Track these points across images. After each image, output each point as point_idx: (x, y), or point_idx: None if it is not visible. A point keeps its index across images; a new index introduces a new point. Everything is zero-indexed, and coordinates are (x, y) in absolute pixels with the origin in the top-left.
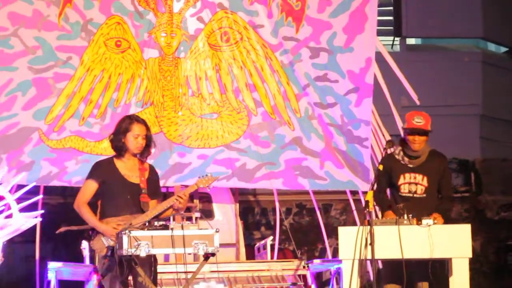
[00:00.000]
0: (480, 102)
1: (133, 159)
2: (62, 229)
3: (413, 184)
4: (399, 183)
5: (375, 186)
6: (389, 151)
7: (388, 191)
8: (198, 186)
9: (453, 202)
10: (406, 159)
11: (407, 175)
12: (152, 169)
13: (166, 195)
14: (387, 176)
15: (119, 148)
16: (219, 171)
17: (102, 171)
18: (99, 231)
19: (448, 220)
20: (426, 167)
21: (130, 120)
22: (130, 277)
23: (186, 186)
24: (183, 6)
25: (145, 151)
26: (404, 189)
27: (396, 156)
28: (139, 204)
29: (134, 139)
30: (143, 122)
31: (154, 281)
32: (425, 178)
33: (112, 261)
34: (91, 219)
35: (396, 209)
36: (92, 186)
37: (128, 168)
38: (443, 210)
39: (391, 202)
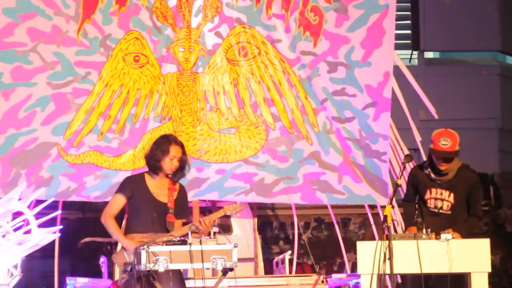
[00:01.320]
0: (499, 115)
1: (164, 178)
2: (87, 239)
3: (439, 200)
4: (426, 197)
5: (394, 200)
6: (407, 166)
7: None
8: (225, 213)
9: (480, 222)
10: (433, 175)
11: (433, 190)
12: (182, 189)
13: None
14: (414, 187)
15: (155, 168)
16: (237, 185)
17: (132, 186)
18: (122, 246)
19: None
20: (453, 184)
21: (169, 141)
22: None
23: (204, 201)
24: (201, 21)
25: (178, 172)
26: (430, 204)
27: (424, 170)
28: (164, 223)
29: (169, 161)
30: (180, 144)
31: None
32: (452, 195)
33: (132, 276)
34: (116, 233)
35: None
36: (120, 201)
37: (157, 187)
38: (467, 229)
39: (417, 216)
